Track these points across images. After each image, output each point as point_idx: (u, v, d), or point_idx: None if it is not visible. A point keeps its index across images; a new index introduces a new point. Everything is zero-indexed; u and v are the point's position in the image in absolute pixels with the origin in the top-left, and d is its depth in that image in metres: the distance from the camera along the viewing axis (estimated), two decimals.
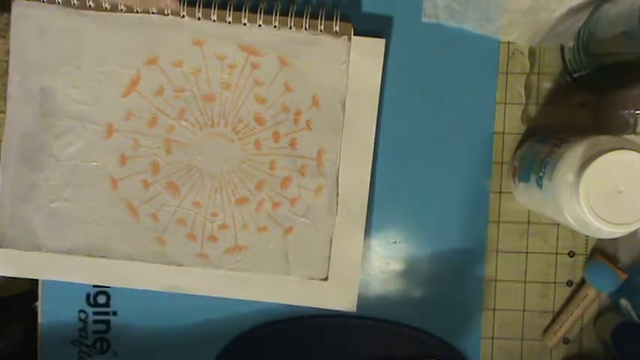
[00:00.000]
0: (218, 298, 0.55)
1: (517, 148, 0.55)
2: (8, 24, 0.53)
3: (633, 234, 0.51)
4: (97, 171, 0.54)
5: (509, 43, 0.54)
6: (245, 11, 0.53)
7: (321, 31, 0.53)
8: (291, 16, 0.53)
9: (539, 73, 0.55)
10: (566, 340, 0.56)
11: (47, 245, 0.54)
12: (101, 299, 0.56)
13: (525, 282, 0.56)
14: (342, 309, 0.55)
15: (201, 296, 0.55)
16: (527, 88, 0.55)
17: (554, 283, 0.56)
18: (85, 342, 0.56)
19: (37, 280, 0.55)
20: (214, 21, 0.53)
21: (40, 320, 0.56)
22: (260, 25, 0.53)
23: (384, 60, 0.53)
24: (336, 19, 0.53)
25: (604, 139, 0.44)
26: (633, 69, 0.47)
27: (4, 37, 0.53)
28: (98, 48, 0.53)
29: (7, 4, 0.52)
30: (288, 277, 0.55)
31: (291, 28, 0.53)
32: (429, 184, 0.55)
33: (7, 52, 0.53)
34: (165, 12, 0.53)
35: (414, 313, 0.56)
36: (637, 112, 0.54)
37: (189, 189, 0.54)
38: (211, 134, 0.54)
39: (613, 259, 0.55)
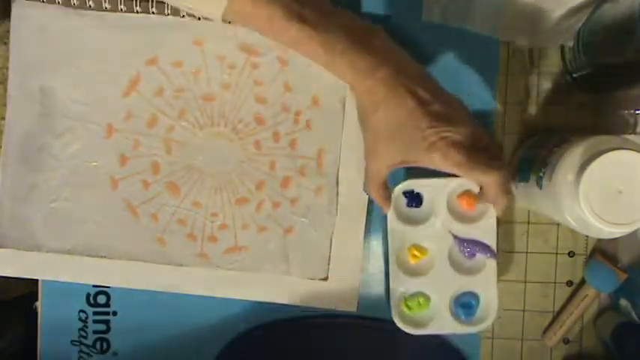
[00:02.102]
0: (218, 298, 0.55)
1: (517, 148, 0.55)
2: (9, 31, 0.53)
3: (633, 234, 0.51)
4: (97, 171, 0.54)
5: (509, 43, 0.54)
6: None
7: None
8: None
9: (539, 73, 0.55)
10: (566, 340, 0.56)
11: (47, 245, 0.54)
12: (101, 299, 0.56)
13: (525, 282, 0.56)
14: (342, 309, 0.55)
15: (201, 296, 0.55)
16: (527, 88, 0.55)
17: (554, 283, 0.56)
18: (85, 342, 0.56)
19: (37, 281, 0.55)
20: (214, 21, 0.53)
21: (40, 320, 0.56)
22: None
23: None
24: None
25: (604, 139, 0.44)
26: (633, 69, 0.47)
27: (6, 44, 0.53)
28: (98, 48, 0.53)
29: (9, 12, 0.52)
30: (288, 277, 0.54)
31: None
32: None
33: (9, 59, 0.53)
34: (166, 12, 0.53)
35: None
36: (637, 112, 0.54)
37: (189, 189, 0.54)
38: (211, 134, 0.54)
39: (613, 259, 0.55)
